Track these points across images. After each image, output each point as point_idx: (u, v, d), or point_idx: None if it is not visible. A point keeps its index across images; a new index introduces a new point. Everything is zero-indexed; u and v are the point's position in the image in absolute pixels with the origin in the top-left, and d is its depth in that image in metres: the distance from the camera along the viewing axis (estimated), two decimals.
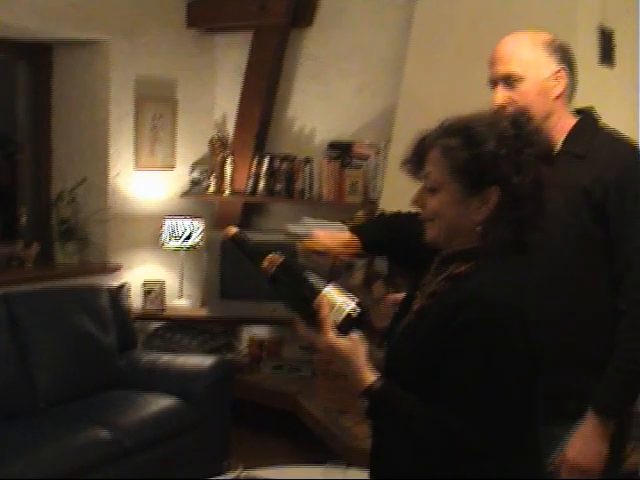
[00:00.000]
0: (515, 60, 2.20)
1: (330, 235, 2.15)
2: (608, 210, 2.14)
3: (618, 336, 2.15)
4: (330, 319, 1.69)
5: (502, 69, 2.21)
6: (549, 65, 2.21)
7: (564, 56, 2.23)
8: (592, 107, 2.35)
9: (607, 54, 3.73)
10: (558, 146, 2.20)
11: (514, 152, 1.68)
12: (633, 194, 2.16)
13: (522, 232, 1.72)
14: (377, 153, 4.87)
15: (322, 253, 2.11)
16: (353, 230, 2.18)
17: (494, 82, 2.24)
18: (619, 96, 3.78)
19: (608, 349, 2.15)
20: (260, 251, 1.81)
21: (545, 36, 2.24)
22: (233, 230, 1.85)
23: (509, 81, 2.20)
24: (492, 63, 2.25)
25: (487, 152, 1.67)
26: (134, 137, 5.19)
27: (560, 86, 2.22)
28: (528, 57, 2.20)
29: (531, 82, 2.19)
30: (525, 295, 1.70)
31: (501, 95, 2.20)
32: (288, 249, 1.96)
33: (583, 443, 2.13)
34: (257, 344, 5.34)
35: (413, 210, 2.03)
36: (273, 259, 1.77)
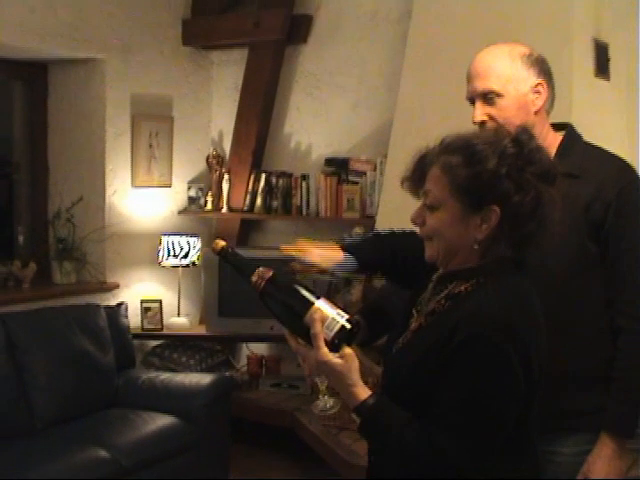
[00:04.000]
0: (493, 76, 2.12)
1: (324, 254, 2.10)
2: (607, 227, 2.11)
3: (618, 354, 2.13)
4: (322, 334, 1.65)
5: (480, 85, 2.14)
6: (528, 79, 2.13)
7: (543, 68, 2.16)
8: (570, 123, 2.29)
9: (602, 67, 3.74)
10: None
11: (515, 171, 1.64)
12: (632, 210, 2.14)
13: (522, 250, 1.71)
14: (374, 169, 4.88)
15: (316, 270, 2.07)
16: (346, 249, 2.11)
17: (472, 99, 2.17)
18: (615, 108, 3.79)
19: (603, 366, 2.13)
20: (249, 265, 1.76)
21: (523, 49, 2.17)
22: (221, 244, 1.80)
23: (488, 97, 2.13)
24: (470, 79, 2.17)
25: (488, 170, 1.64)
26: (130, 155, 5.18)
27: (540, 100, 2.14)
28: (506, 72, 2.12)
29: (510, 97, 2.12)
30: (527, 315, 1.68)
31: (480, 112, 2.14)
32: (282, 265, 1.93)
33: (607, 465, 2.10)
34: (255, 361, 5.32)
35: (407, 228, 2.00)
36: (262, 273, 1.73)
